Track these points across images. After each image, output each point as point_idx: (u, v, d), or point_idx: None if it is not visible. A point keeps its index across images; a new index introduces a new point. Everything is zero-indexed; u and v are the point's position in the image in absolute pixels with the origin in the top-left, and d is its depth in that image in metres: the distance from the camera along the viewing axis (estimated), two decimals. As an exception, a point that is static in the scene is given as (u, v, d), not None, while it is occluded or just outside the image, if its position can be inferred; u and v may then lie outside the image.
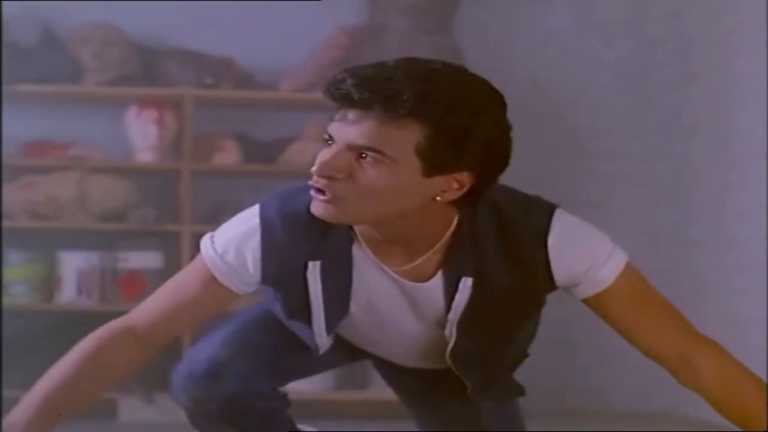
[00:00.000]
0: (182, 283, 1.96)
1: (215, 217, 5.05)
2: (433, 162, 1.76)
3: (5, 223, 4.88)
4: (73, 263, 4.90)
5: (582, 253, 1.91)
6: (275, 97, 5.13)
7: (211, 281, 1.93)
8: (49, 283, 4.92)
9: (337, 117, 1.78)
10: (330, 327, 1.98)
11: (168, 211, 5.04)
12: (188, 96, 4.99)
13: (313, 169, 1.79)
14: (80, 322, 4.95)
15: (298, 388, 4.23)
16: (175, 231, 4.95)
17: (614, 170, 5.34)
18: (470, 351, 1.99)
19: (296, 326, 2.04)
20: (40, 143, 5.00)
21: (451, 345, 1.98)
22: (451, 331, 1.96)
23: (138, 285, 4.86)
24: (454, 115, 1.74)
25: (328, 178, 1.77)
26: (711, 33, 5.06)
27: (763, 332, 4.27)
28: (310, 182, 1.81)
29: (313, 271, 1.91)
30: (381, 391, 3.89)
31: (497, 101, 1.81)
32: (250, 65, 5.12)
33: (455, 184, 1.80)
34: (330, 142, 1.79)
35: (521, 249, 1.89)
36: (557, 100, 5.36)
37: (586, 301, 1.96)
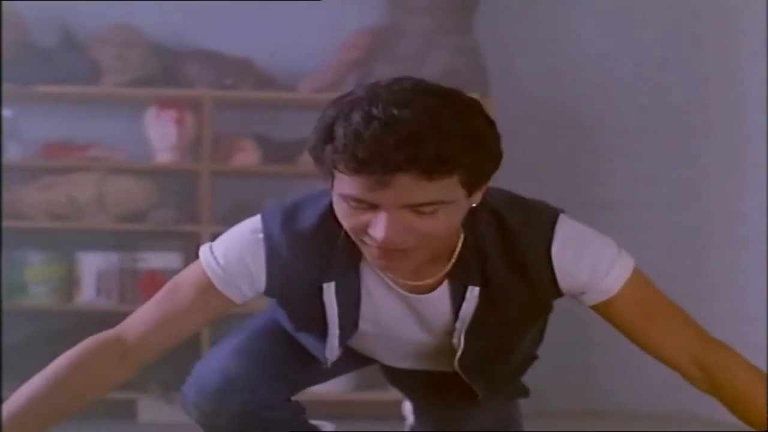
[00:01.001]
0: (175, 292, 1.92)
1: (234, 218, 5.05)
2: (475, 186, 1.75)
3: (25, 224, 4.89)
4: (92, 264, 4.90)
5: (586, 263, 1.89)
6: (294, 97, 5.13)
7: (207, 289, 1.90)
8: (69, 284, 4.93)
9: (365, 184, 1.66)
10: (341, 343, 1.97)
11: (187, 211, 5.04)
12: (207, 97, 4.99)
13: (378, 242, 1.69)
14: (99, 323, 4.96)
15: (317, 389, 4.23)
16: (194, 231, 4.95)
17: (631, 170, 5.32)
18: (478, 358, 1.99)
19: (305, 338, 2.03)
20: (59, 144, 5.00)
21: (459, 354, 1.98)
22: (459, 340, 1.95)
23: (157, 285, 4.81)
24: (473, 141, 1.70)
25: (399, 246, 1.71)
26: (725, 33, 5.04)
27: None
28: (367, 242, 1.73)
29: (329, 291, 1.89)
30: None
31: (474, 100, 1.78)
32: (270, 66, 5.12)
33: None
34: (363, 207, 1.69)
35: (525, 258, 1.87)
36: (575, 99, 5.35)
37: (593, 308, 1.94)
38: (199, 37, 5.12)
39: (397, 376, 2.31)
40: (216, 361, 2.08)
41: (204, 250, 1.94)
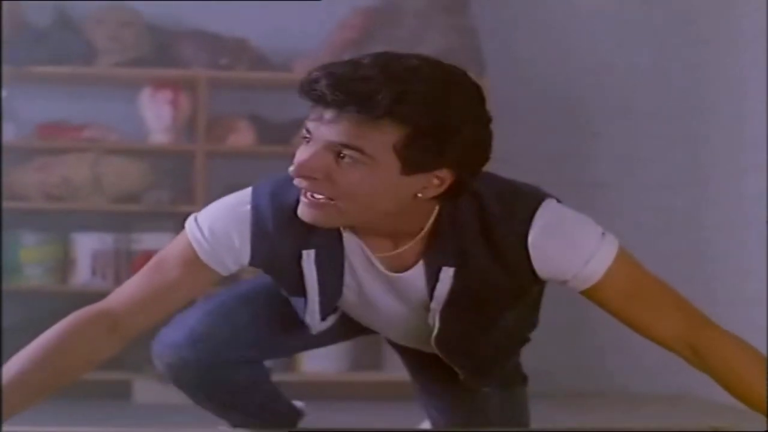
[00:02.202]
0: (162, 265, 1.90)
1: (230, 199, 5.05)
2: (412, 161, 1.73)
3: (20, 205, 4.88)
4: (87, 245, 4.90)
5: (566, 251, 1.88)
6: (290, 78, 5.10)
7: (193, 261, 1.89)
8: (64, 265, 4.93)
9: (312, 116, 1.76)
10: (324, 311, 1.97)
11: (182, 192, 5.03)
12: (202, 77, 4.98)
13: (291, 169, 1.76)
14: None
15: (312, 368, 4.26)
16: (189, 212, 4.91)
17: (628, 151, 5.32)
18: (454, 338, 1.99)
19: (297, 302, 2.03)
20: (54, 125, 4.99)
21: (435, 333, 1.98)
22: (433, 320, 1.95)
23: (152, 266, 4.85)
24: (431, 114, 1.70)
25: (308, 178, 1.75)
26: (726, 15, 5.03)
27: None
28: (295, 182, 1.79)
29: (308, 260, 1.89)
30: (395, 372, 3.89)
31: (476, 96, 1.78)
32: (265, 46, 5.11)
33: (436, 180, 1.78)
34: (307, 139, 1.77)
35: (501, 246, 1.86)
36: (571, 80, 5.34)
37: (581, 293, 1.93)
38: (194, 18, 5.11)
39: (407, 359, 2.33)
40: (186, 319, 2.12)
41: (189, 223, 1.93)
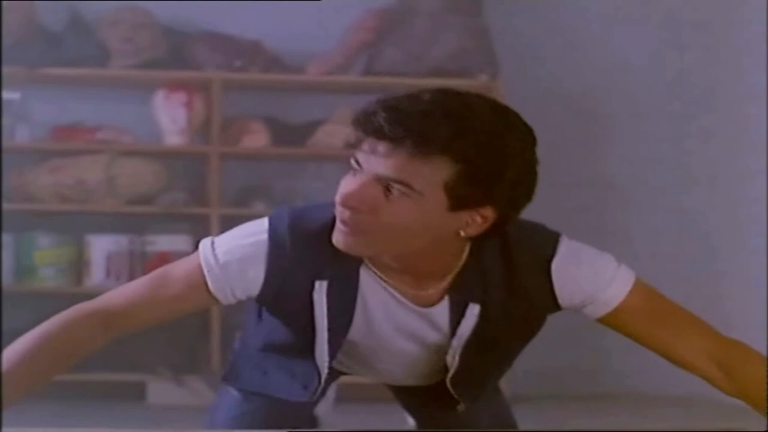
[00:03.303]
0: (167, 278, 1.87)
1: (244, 200, 5.05)
2: (461, 198, 1.71)
3: (34, 207, 4.89)
4: (101, 246, 4.91)
5: (587, 275, 1.87)
6: (304, 80, 5.12)
7: (199, 285, 1.85)
8: (78, 267, 4.93)
9: (365, 147, 1.73)
10: (332, 350, 1.93)
11: (197, 194, 5.04)
12: (217, 79, 4.98)
13: (337, 198, 1.74)
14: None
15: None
16: (203, 214, 4.95)
17: (640, 152, 5.30)
18: (470, 376, 1.97)
19: (295, 365, 2.00)
20: (68, 127, 5.00)
21: (452, 372, 1.95)
22: (453, 358, 1.93)
23: (167, 268, 4.86)
24: (485, 153, 1.68)
25: (352, 209, 1.73)
26: (737, 15, 5.02)
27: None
28: (335, 211, 1.76)
29: (320, 291, 1.85)
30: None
31: (529, 138, 1.77)
32: (279, 48, 5.11)
33: (479, 218, 1.76)
34: (356, 170, 1.74)
35: (525, 274, 1.85)
36: (584, 82, 5.33)
37: (601, 320, 1.92)
38: (208, 20, 5.11)
39: (388, 386, 2.29)
40: None
41: (205, 245, 1.89)
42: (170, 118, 4.98)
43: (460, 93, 1.73)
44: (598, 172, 5.33)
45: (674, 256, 5.23)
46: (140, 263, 4.91)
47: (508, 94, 5.02)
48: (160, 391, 4.72)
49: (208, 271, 1.84)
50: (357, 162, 1.74)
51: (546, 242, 1.87)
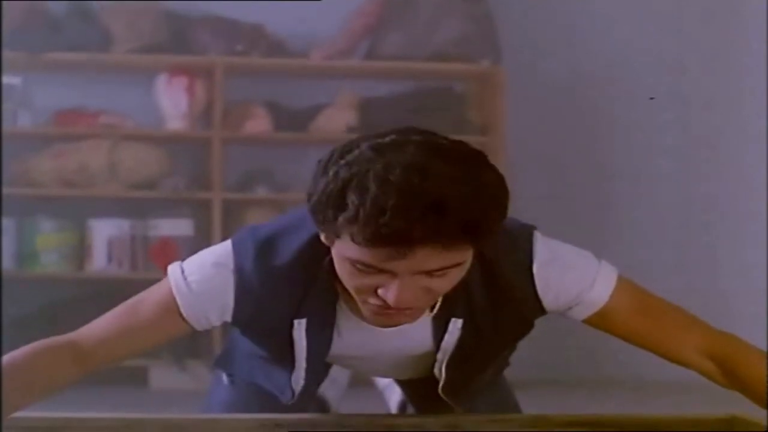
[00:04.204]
0: (139, 308, 1.82)
1: (246, 185, 5.05)
2: (485, 243, 1.66)
3: (36, 192, 4.89)
4: (104, 231, 4.91)
5: (570, 277, 1.82)
6: (306, 65, 5.11)
7: (171, 312, 1.80)
8: (80, 252, 4.94)
9: (380, 254, 1.57)
10: (308, 377, 1.91)
11: (199, 178, 5.04)
12: (219, 64, 4.98)
13: (389, 302, 1.62)
14: (111, 291, 4.98)
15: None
16: (205, 199, 4.95)
17: (650, 141, 5.30)
18: (461, 384, 1.95)
19: (267, 377, 1.99)
20: (70, 112, 5.00)
21: (442, 383, 1.93)
22: (440, 371, 1.91)
23: (169, 253, 4.86)
24: (502, 214, 1.64)
25: (410, 308, 1.66)
26: (742, 7, 5.02)
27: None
28: (371, 301, 1.66)
29: (299, 329, 1.82)
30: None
31: (487, 158, 1.68)
32: (281, 33, 5.10)
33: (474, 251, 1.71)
34: (371, 271, 1.61)
35: (507, 283, 1.80)
36: (590, 68, 5.32)
37: (587, 322, 1.88)
38: (210, 4, 5.10)
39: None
40: None
41: (174, 272, 1.83)
42: (172, 102, 4.98)
43: (439, 149, 1.61)
44: (600, 159, 5.32)
45: (677, 245, 5.22)
46: (142, 248, 4.92)
47: (510, 81, 5.02)
48: (162, 375, 4.72)
49: (180, 298, 1.80)
50: (379, 267, 1.61)
51: (523, 243, 1.82)
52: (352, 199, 1.55)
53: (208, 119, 5.04)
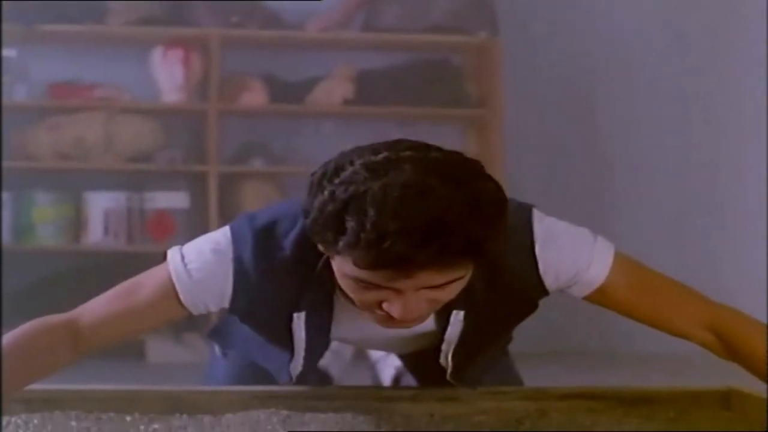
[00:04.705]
0: (137, 290, 1.81)
1: (242, 158, 5.04)
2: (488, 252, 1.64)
3: (32, 165, 4.88)
4: (100, 204, 4.90)
5: (568, 256, 1.82)
6: (302, 37, 5.09)
7: (169, 296, 1.79)
8: (76, 224, 4.93)
9: (382, 275, 1.57)
10: (306, 364, 1.91)
11: (195, 151, 5.02)
12: (214, 36, 4.96)
13: (394, 315, 1.62)
14: (107, 263, 4.98)
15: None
16: (202, 171, 4.94)
17: (650, 113, 5.29)
18: (468, 368, 1.95)
19: (266, 358, 1.98)
20: (65, 84, 4.98)
21: (449, 371, 1.93)
22: (447, 360, 1.91)
23: (165, 225, 4.86)
24: (498, 227, 1.61)
25: (415, 321, 1.67)
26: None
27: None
28: (375, 311, 1.66)
29: (298, 322, 1.82)
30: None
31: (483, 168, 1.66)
32: (277, 4, 5.08)
33: None
34: (373, 287, 1.61)
35: (508, 266, 1.78)
36: (590, 42, 5.30)
37: (587, 299, 1.88)
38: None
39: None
40: None
41: (174, 257, 1.80)
42: (168, 75, 4.96)
43: (435, 166, 1.58)
44: (597, 131, 5.32)
45: (676, 230, 5.22)
46: (138, 220, 4.91)
47: (507, 53, 5.00)
48: (159, 348, 4.72)
49: (179, 284, 1.78)
50: (380, 286, 1.60)
51: (522, 224, 1.80)
52: (351, 224, 1.54)
53: (204, 92, 5.02)
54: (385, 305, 1.63)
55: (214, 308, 1.82)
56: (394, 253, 1.52)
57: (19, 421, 1.88)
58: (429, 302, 1.64)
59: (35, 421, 1.89)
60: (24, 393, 1.96)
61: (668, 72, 5.27)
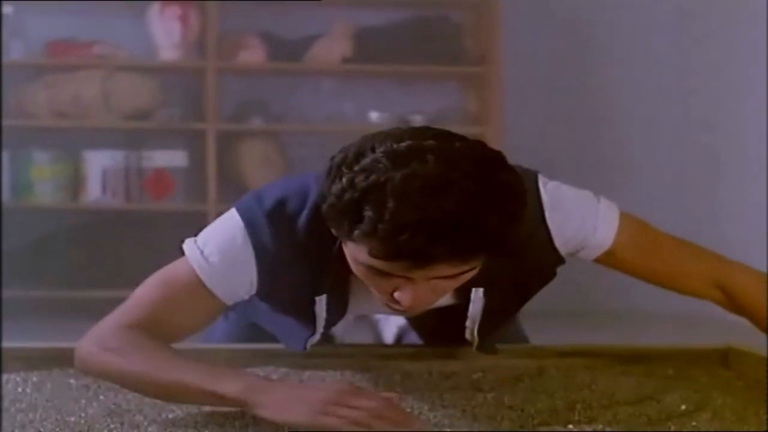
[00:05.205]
0: (170, 285, 1.77)
1: (241, 116, 5.03)
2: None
3: (30, 123, 4.87)
4: (98, 162, 4.89)
5: (575, 221, 1.82)
6: (301, -6, 5.06)
7: (203, 293, 1.75)
8: (74, 183, 4.92)
9: (396, 265, 1.55)
10: (323, 337, 1.91)
11: (193, 109, 5.00)
12: (212, -7, 4.93)
13: (402, 304, 1.61)
14: (106, 222, 4.97)
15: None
16: (200, 129, 4.93)
17: (649, 67, 5.28)
18: (493, 336, 1.95)
19: (282, 331, 1.96)
20: (62, 42, 4.95)
21: (475, 344, 1.93)
22: (473, 335, 1.90)
23: (163, 184, 4.85)
24: (516, 222, 1.58)
25: (424, 307, 1.67)
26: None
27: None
28: (387, 303, 1.65)
29: (320, 304, 1.82)
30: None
31: (505, 160, 1.64)
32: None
33: None
34: (383, 275, 1.60)
35: (522, 239, 1.72)
36: (592, 2, 5.28)
37: (597, 261, 1.88)
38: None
39: None
40: None
41: (193, 253, 1.77)
42: (165, 32, 4.94)
43: (458, 159, 1.54)
44: (597, 87, 5.30)
45: (675, 185, 5.22)
46: (137, 179, 4.90)
47: (507, 10, 4.98)
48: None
49: (206, 278, 1.75)
50: (390, 273, 1.59)
51: (531, 194, 1.76)
52: (369, 213, 1.51)
53: (201, 49, 5.00)
54: (396, 294, 1.61)
55: (245, 296, 1.79)
56: (411, 247, 1.50)
57: (18, 378, 1.89)
58: (439, 291, 1.63)
59: (34, 379, 1.89)
60: (23, 351, 1.97)
61: (668, 26, 5.25)
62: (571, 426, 1.56)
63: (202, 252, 1.76)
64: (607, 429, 1.54)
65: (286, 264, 1.75)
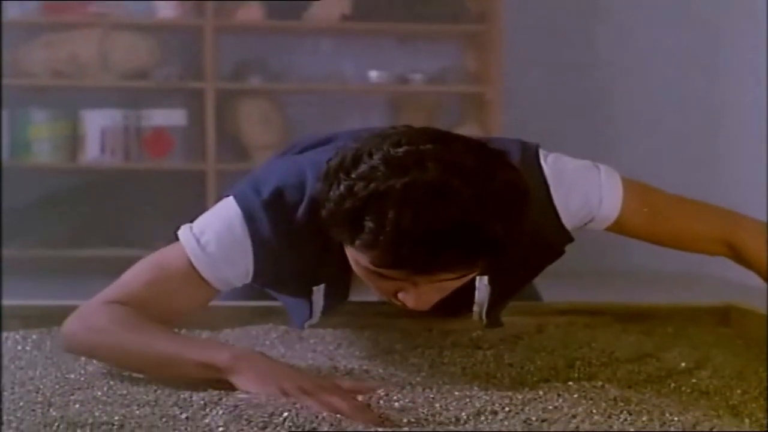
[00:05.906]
0: (164, 272, 1.75)
1: (239, 75, 5.01)
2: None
3: (27, 82, 4.85)
4: (96, 121, 4.88)
5: (579, 195, 1.80)
6: (299, -48, 5.03)
7: (196, 280, 1.74)
8: (73, 142, 4.91)
9: (403, 274, 1.54)
10: (324, 314, 1.91)
11: (191, 68, 4.99)
12: (210, -49, 4.90)
13: (409, 305, 1.60)
14: (105, 181, 4.97)
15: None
16: (199, 88, 4.91)
17: (650, 27, 5.26)
18: (500, 315, 1.95)
19: (284, 301, 1.96)
20: (59, 0, 4.92)
21: (485, 324, 1.92)
22: (482, 318, 1.90)
23: (162, 143, 4.84)
24: (520, 225, 1.56)
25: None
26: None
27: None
28: (390, 297, 1.64)
29: (318, 293, 1.81)
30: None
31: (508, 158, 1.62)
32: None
33: None
34: (384, 277, 1.58)
35: (532, 220, 1.64)
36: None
37: (607, 230, 1.87)
38: None
39: None
40: None
41: (188, 240, 1.75)
42: (163, -10, 4.91)
43: (458, 164, 1.51)
44: (596, 47, 5.28)
45: (676, 148, 5.22)
46: (135, 138, 4.89)
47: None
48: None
49: (201, 266, 1.74)
50: (394, 277, 1.57)
51: (534, 172, 1.76)
52: (369, 224, 1.49)
53: (199, 7, 4.97)
54: (400, 295, 1.60)
55: (238, 284, 1.78)
56: (414, 256, 1.49)
57: (17, 336, 1.89)
58: (443, 290, 1.62)
59: (34, 337, 1.89)
60: (22, 309, 1.97)
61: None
62: (570, 383, 1.56)
63: (198, 240, 1.74)
64: (607, 386, 1.53)
65: (284, 255, 1.73)
